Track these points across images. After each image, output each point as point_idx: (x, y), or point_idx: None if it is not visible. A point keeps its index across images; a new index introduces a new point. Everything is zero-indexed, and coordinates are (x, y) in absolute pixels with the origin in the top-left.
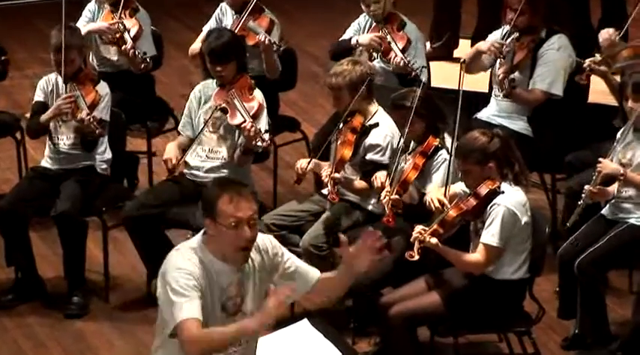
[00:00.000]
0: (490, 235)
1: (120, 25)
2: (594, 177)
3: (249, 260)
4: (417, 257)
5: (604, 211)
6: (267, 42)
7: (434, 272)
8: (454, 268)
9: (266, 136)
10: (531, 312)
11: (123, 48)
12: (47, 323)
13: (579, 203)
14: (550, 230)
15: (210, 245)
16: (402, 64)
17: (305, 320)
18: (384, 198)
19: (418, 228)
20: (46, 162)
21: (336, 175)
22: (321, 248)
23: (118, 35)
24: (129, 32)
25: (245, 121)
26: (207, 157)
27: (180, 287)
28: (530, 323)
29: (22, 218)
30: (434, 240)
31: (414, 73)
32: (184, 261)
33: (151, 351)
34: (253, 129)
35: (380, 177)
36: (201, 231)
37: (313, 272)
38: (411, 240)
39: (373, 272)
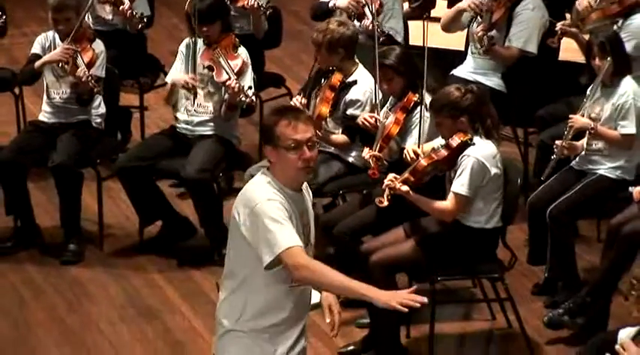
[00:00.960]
0: (460, 185)
1: None
2: (566, 133)
3: (307, 194)
4: (386, 203)
5: (573, 163)
6: (255, 5)
7: (411, 220)
8: (431, 217)
9: (250, 92)
10: (504, 259)
11: (120, 8)
12: (44, 269)
13: (552, 157)
14: (522, 182)
15: (277, 175)
16: (370, 28)
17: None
18: (367, 153)
19: (390, 175)
20: (43, 116)
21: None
22: None
23: None
24: None
25: (230, 79)
26: (195, 111)
27: (278, 216)
28: (503, 269)
29: (20, 169)
30: (405, 188)
31: (382, 38)
32: (270, 192)
33: (216, 306)
34: (237, 86)
35: (409, 150)
36: (263, 169)
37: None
38: (382, 187)
39: (355, 221)
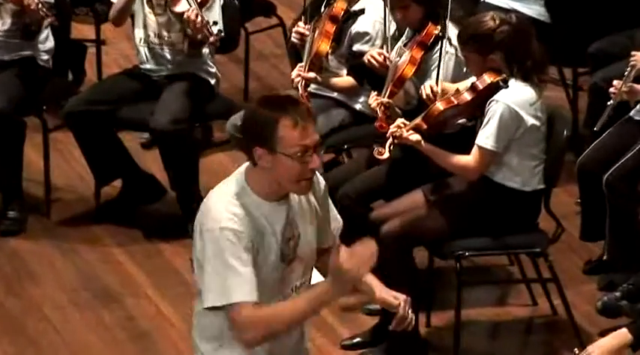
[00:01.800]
0: (485, 136)
1: None
2: (626, 73)
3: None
4: (386, 154)
5: (633, 113)
6: None
7: (434, 182)
8: (458, 177)
9: (214, 29)
10: (548, 230)
11: None
12: None
13: (608, 103)
14: (570, 133)
15: (259, 182)
16: None
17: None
18: (374, 100)
19: (398, 121)
20: None
21: (309, 75)
22: None
23: None
24: None
25: (190, 9)
26: (153, 43)
27: (231, 254)
28: (547, 243)
29: None
30: (415, 137)
31: None
32: (229, 212)
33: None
34: (199, 19)
35: (426, 88)
36: (241, 169)
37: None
38: (387, 134)
39: (363, 182)
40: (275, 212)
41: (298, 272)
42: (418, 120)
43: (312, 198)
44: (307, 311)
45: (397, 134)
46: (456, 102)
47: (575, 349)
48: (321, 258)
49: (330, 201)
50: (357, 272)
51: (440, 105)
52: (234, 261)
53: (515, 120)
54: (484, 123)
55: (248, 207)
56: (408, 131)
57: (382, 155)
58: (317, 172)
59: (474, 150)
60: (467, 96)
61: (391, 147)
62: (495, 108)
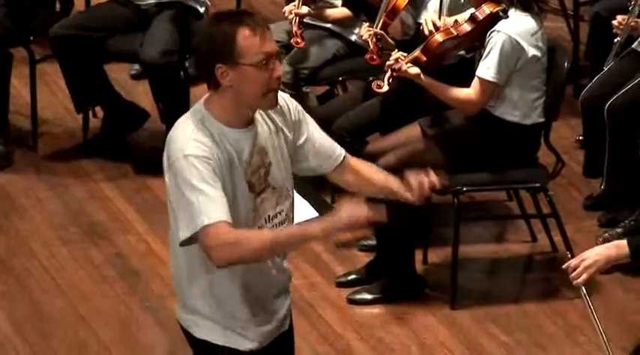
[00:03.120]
0: (485, 68)
1: None
2: (630, 8)
3: (266, 119)
4: (385, 88)
5: (635, 45)
6: None
7: (431, 115)
8: (455, 110)
9: None
10: (548, 165)
11: None
12: None
13: (615, 40)
14: (570, 65)
15: (219, 110)
16: None
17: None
18: (365, 32)
19: (396, 54)
20: None
21: (302, 10)
22: (297, 86)
23: None
24: None
25: None
26: None
27: (198, 178)
28: (547, 177)
29: None
30: (414, 70)
31: None
32: (191, 139)
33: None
34: None
35: (428, 21)
36: (200, 101)
37: (339, 150)
38: (385, 67)
39: (358, 115)
40: (240, 139)
41: (271, 202)
42: (417, 53)
43: (282, 125)
44: (285, 241)
45: (396, 67)
46: (455, 33)
47: (568, 252)
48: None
49: (312, 124)
50: (347, 220)
51: (439, 37)
52: (202, 185)
53: (517, 50)
54: (484, 54)
55: (213, 135)
56: (406, 64)
57: (381, 88)
58: (291, 99)
59: (475, 81)
60: (466, 27)
61: (390, 80)
62: (496, 39)
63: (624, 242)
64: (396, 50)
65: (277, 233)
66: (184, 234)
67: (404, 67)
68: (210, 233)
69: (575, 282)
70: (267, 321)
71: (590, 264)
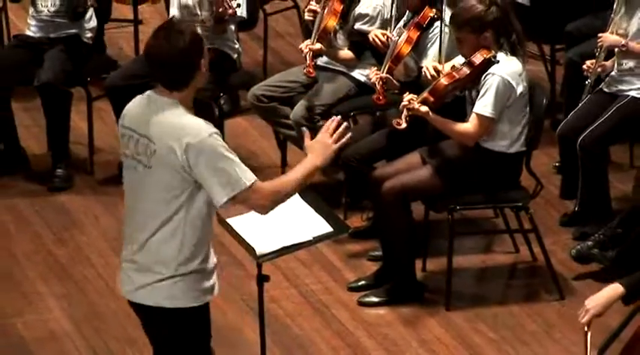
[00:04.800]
0: (483, 105)
1: None
2: (597, 54)
3: None
4: (404, 125)
5: (603, 85)
6: None
7: (429, 145)
8: (450, 140)
9: (233, 3)
10: (529, 187)
11: None
12: (30, 196)
13: (587, 82)
14: (548, 102)
15: (185, 103)
16: None
17: (295, 195)
18: (373, 75)
19: (408, 96)
20: (29, 31)
21: (315, 46)
22: (314, 120)
23: None
24: None
25: None
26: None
27: (226, 151)
28: (528, 198)
29: (4, 88)
30: (424, 108)
31: None
32: (203, 123)
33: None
34: None
35: (429, 67)
36: (166, 99)
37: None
38: (400, 107)
39: (366, 145)
40: None
41: None
42: (425, 94)
43: None
44: (305, 178)
45: (410, 107)
46: (457, 76)
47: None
48: None
49: None
50: (325, 143)
51: (444, 81)
52: (231, 155)
53: (508, 89)
54: (481, 93)
55: None
56: (418, 103)
57: (400, 125)
58: None
59: (473, 118)
60: (466, 71)
61: (407, 118)
62: (491, 81)
63: (616, 284)
64: (408, 93)
65: (297, 174)
66: (223, 197)
67: (416, 107)
68: (255, 190)
69: (581, 323)
70: None
71: (589, 309)
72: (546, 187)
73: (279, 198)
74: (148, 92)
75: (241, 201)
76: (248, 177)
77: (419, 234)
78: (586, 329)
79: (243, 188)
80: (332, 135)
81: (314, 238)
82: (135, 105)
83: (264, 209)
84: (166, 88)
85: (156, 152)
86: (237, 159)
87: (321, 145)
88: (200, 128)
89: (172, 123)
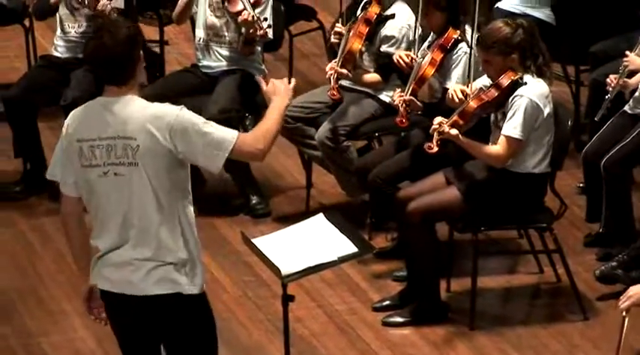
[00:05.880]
0: (512, 127)
1: None
2: (621, 71)
3: None
4: (435, 149)
5: (627, 108)
6: None
7: (453, 166)
8: (474, 161)
9: (264, 24)
10: (553, 208)
11: None
12: (56, 216)
13: (606, 97)
14: (572, 123)
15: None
16: None
17: (320, 215)
18: (397, 97)
19: (437, 119)
20: (56, 51)
21: (342, 70)
22: (338, 140)
23: None
24: None
25: (244, 9)
26: (212, 42)
27: (199, 118)
28: (552, 218)
29: (31, 107)
30: (454, 131)
31: None
32: (169, 104)
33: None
34: (251, 16)
35: (457, 90)
36: (127, 96)
37: None
38: (430, 131)
39: (391, 166)
40: None
41: None
42: (455, 117)
43: None
44: (281, 117)
45: (440, 130)
46: (486, 99)
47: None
48: None
49: None
50: (279, 87)
51: (473, 104)
52: (203, 120)
53: (536, 111)
54: (509, 115)
55: None
56: (448, 127)
57: (432, 149)
58: None
59: (502, 140)
60: (494, 93)
61: (438, 142)
62: (520, 103)
63: None
64: (437, 116)
65: (273, 114)
66: (221, 160)
67: (446, 130)
68: (242, 143)
69: (619, 308)
70: None
71: (632, 295)
72: (570, 208)
73: (268, 139)
74: (96, 99)
75: (237, 155)
76: (230, 132)
77: (443, 255)
78: (624, 314)
79: (234, 143)
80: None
81: (339, 258)
82: (85, 115)
83: (261, 153)
84: (115, 85)
85: (139, 147)
86: (211, 121)
87: (282, 86)
88: (171, 108)
89: (144, 114)
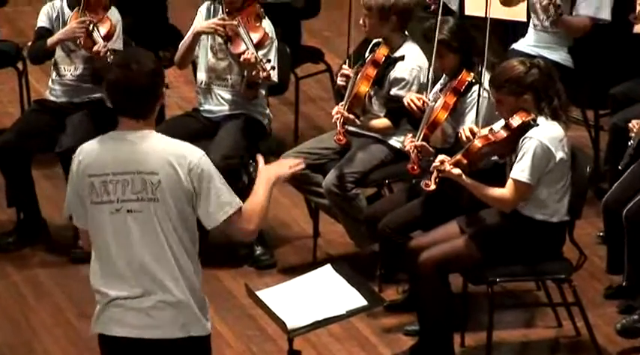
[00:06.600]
0: (520, 170)
1: None
2: None
3: None
4: (433, 187)
5: None
6: None
7: (467, 214)
8: (489, 209)
9: (267, 66)
10: (571, 258)
11: None
12: (51, 268)
13: (629, 143)
14: (592, 170)
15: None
16: None
17: (328, 266)
18: (408, 143)
19: (440, 157)
20: (50, 95)
21: (349, 115)
22: (346, 188)
23: None
24: None
25: (247, 50)
26: (214, 86)
27: (216, 171)
28: (571, 269)
29: (24, 154)
30: (456, 171)
31: (432, 6)
32: (193, 146)
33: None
34: (254, 57)
35: (465, 129)
36: (143, 131)
37: None
38: (431, 168)
39: (402, 214)
40: None
41: None
42: (459, 156)
43: None
44: (268, 197)
45: (441, 168)
46: (492, 139)
47: None
48: None
49: None
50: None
51: (478, 143)
52: (219, 174)
53: (547, 154)
54: (518, 158)
55: None
56: (450, 166)
57: (429, 187)
58: None
59: (510, 183)
60: (502, 134)
61: (436, 180)
62: (529, 145)
63: None
64: (440, 154)
65: (260, 194)
66: (222, 216)
67: (448, 168)
68: (238, 217)
69: None
70: None
71: None
72: (590, 258)
73: (261, 217)
74: (109, 133)
75: (232, 222)
76: (235, 199)
77: (457, 308)
78: None
79: (236, 209)
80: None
81: (347, 312)
82: (97, 149)
83: (252, 234)
84: (134, 118)
85: (161, 182)
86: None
87: (276, 166)
88: (194, 149)
89: (166, 149)
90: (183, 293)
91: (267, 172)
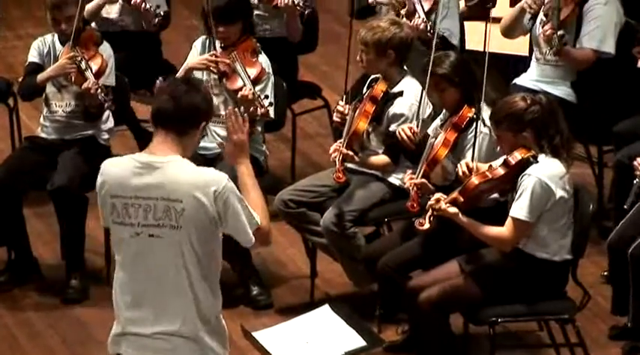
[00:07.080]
0: (518, 208)
1: None
2: None
3: None
4: (427, 225)
5: None
6: (289, 2)
7: (468, 253)
8: (490, 248)
9: (265, 102)
10: (575, 298)
11: (132, 2)
12: (43, 309)
13: (634, 182)
14: (595, 208)
15: (184, 152)
16: (422, 27)
17: (326, 306)
18: (408, 180)
19: (436, 195)
20: (42, 132)
21: (347, 152)
22: (345, 226)
23: None
24: None
25: (244, 86)
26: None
27: (238, 193)
28: (574, 309)
29: (15, 193)
30: (452, 209)
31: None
32: (214, 170)
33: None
34: (252, 93)
35: (462, 165)
36: (169, 157)
37: None
38: (426, 207)
39: (401, 253)
40: None
41: None
42: (455, 194)
43: None
44: (256, 184)
45: (436, 207)
46: (490, 176)
47: None
48: None
49: None
50: (239, 142)
51: (475, 180)
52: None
53: (546, 192)
54: (517, 195)
55: None
56: (446, 204)
57: (423, 226)
58: None
59: (508, 221)
60: (500, 171)
61: (431, 218)
62: (528, 182)
63: None
64: (436, 193)
65: (255, 196)
66: (251, 236)
67: (443, 207)
68: (262, 225)
69: None
70: None
71: None
72: (594, 298)
73: (267, 214)
74: (137, 155)
75: (257, 234)
76: (257, 217)
77: (458, 348)
78: None
79: (258, 224)
80: (237, 132)
81: (346, 353)
82: (122, 170)
83: (270, 234)
84: (175, 131)
85: (185, 210)
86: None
87: (238, 147)
88: (219, 175)
89: (192, 177)
90: (193, 326)
91: (244, 165)
